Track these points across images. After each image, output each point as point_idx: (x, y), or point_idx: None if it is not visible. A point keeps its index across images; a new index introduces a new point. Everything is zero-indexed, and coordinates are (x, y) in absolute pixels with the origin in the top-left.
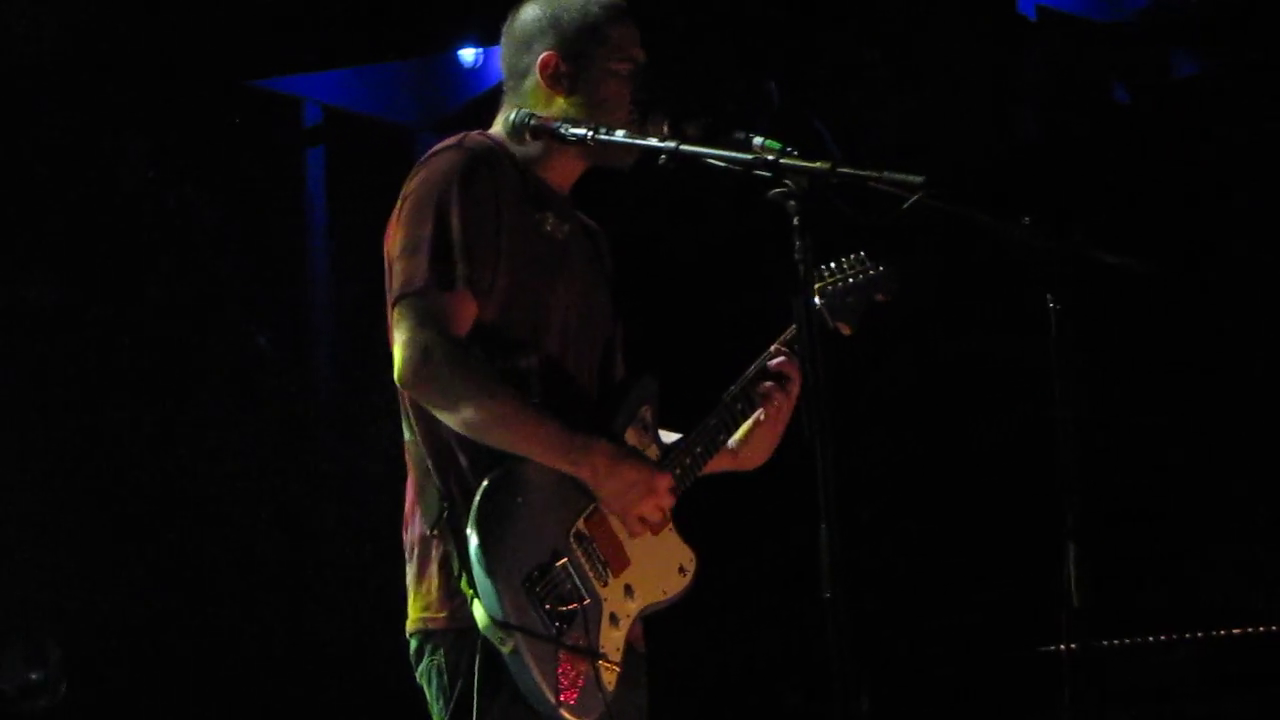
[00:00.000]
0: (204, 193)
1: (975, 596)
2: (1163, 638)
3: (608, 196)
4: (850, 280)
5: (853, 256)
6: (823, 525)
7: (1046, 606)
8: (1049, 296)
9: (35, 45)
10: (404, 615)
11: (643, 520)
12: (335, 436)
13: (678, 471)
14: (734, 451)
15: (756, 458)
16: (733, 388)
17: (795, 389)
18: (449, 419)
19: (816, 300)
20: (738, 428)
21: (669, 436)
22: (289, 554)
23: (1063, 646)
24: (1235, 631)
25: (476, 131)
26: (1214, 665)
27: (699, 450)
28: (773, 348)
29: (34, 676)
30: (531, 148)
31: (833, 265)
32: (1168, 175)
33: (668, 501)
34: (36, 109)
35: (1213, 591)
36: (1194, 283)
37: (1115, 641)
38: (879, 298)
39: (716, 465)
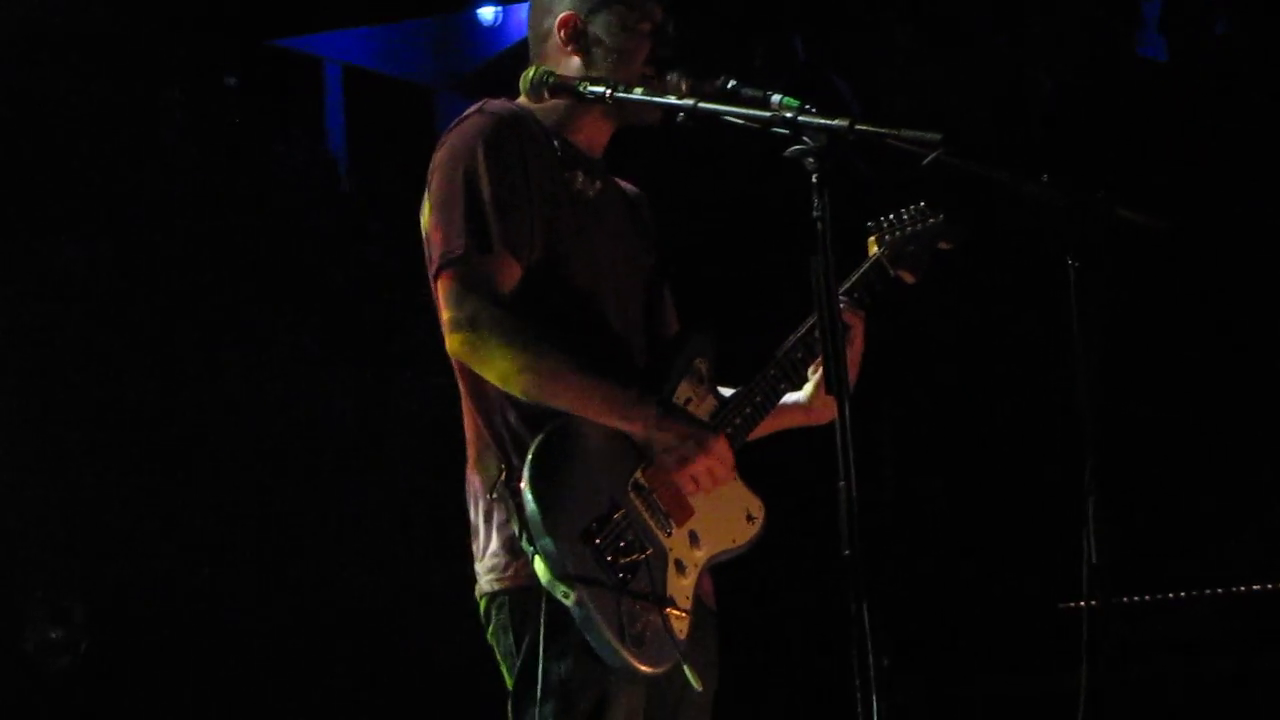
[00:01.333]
0: (225, 150)
1: (995, 553)
2: (1183, 594)
3: (644, 156)
4: (910, 229)
5: (913, 206)
6: (842, 483)
7: (1067, 563)
8: (1069, 256)
9: (57, 13)
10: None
11: (695, 480)
12: (365, 401)
13: (738, 422)
14: (806, 406)
15: (830, 409)
16: (791, 337)
17: (858, 338)
18: (501, 383)
19: (875, 249)
20: (799, 377)
21: (728, 392)
22: (317, 517)
23: (1083, 603)
24: (1256, 588)
25: (500, 98)
26: (1235, 622)
27: (759, 399)
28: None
29: (56, 635)
30: (556, 109)
31: (892, 216)
32: (1190, 135)
33: (720, 463)
34: (61, 68)
35: (1234, 548)
36: (1219, 238)
37: (1135, 598)
38: (943, 245)
39: (792, 420)
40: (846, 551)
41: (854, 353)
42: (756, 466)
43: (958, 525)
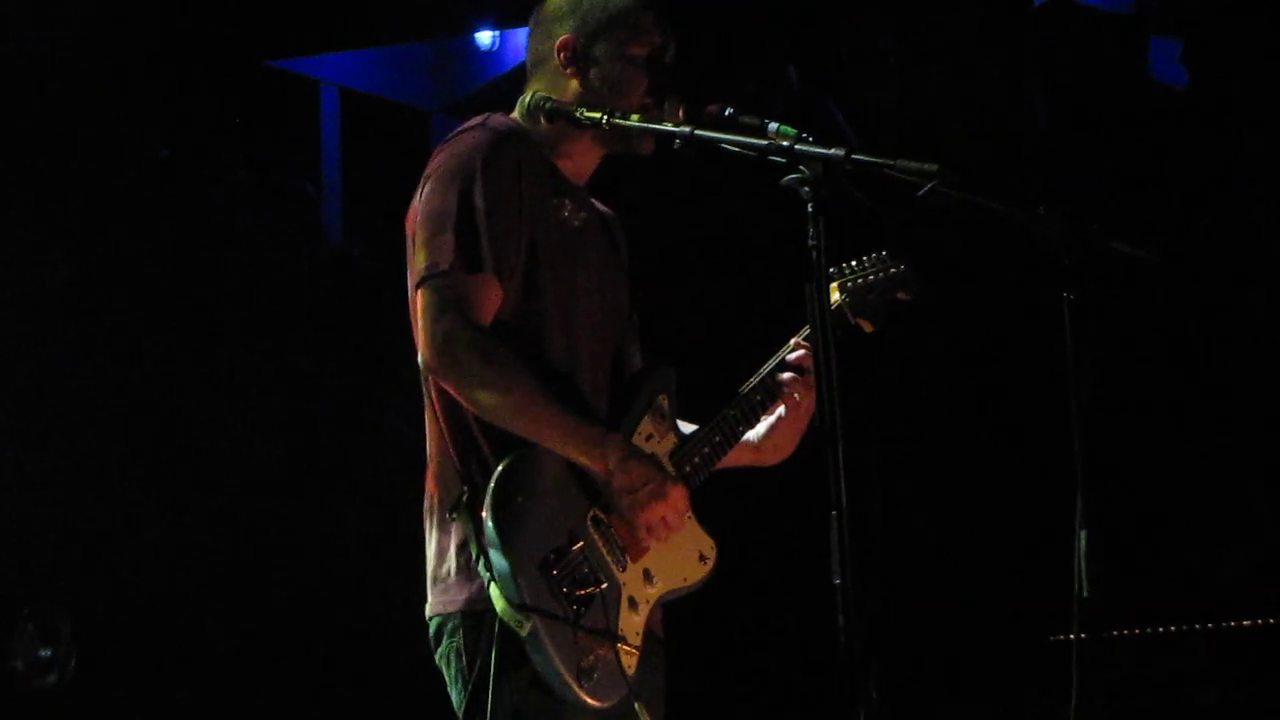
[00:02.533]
0: (219, 172)
1: (985, 585)
2: (1172, 628)
3: (622, 183)
4: (871, 277)
5: (874, 254)
6: (833, 512)
7: (1056, 595)
8: (1062, 284)
9: (54, 27)
10: (423, 598)
11: (648, 528)
12: (349, 415)
13: (696, 460)
14: (756, 445)
15: (779, 452)
16: (752, 379)
17: (808, 398)
18: (469, 404)
19: (836, 295)
20: (757, 419)
21: (688, 428)
22: (303, 532)
23: (1072, 636)
24: (1245, 623)
25: (500, 114)
26: (1223, 656)
27: (717, 440)
28: (793, 341)
29: (45, 652)
30: (549, 133)
31: (854, 263)
32: (1184, 164)
33: (675, 511)
34: (54, 89)
35: (1222, 583)
36: (1207, 274)
37: (1124, 632)
38: (901, 296)
39: (738, 459)
40: (837, 580)
41: (810, 394)
42: (746, 495)
43: (948, 556)
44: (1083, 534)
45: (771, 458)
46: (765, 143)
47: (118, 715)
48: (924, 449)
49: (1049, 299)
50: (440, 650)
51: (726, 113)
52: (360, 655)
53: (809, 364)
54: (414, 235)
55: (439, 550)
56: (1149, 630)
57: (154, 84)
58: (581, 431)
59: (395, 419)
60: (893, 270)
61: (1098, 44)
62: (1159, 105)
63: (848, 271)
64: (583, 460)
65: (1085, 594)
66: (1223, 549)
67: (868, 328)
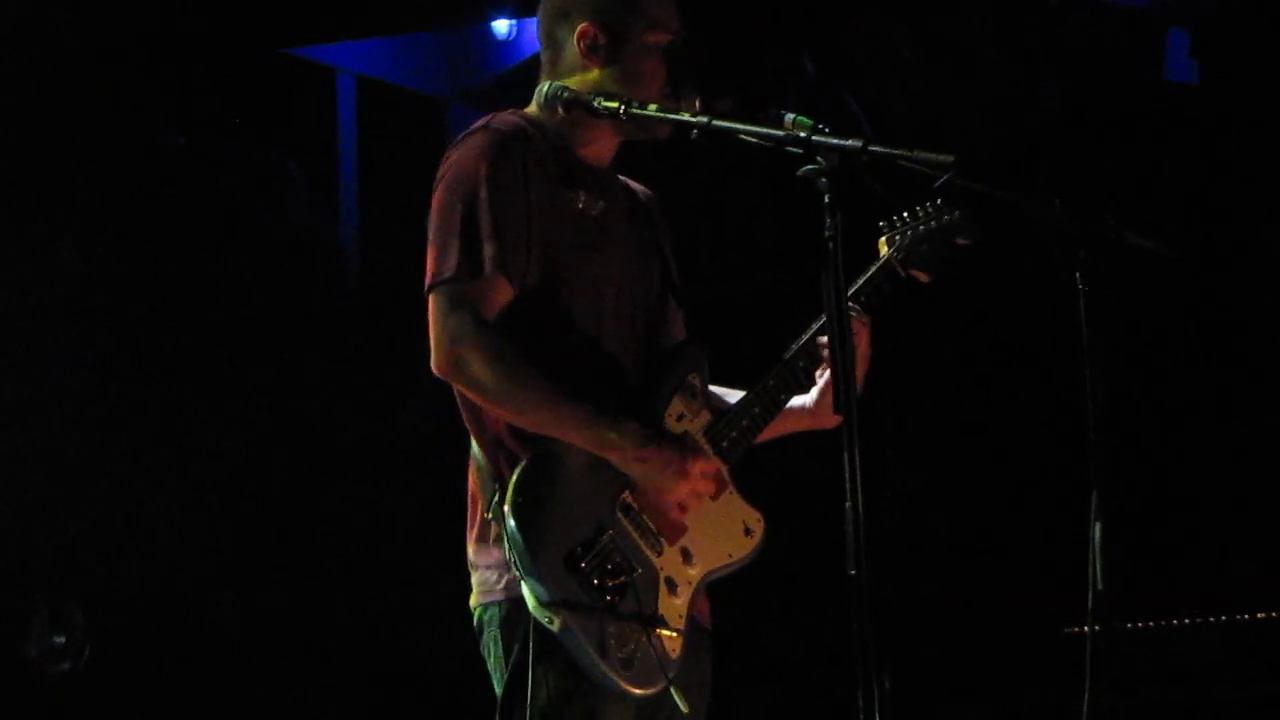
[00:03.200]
0: (236, 161)
1: (1000, 577)
2: (1187, 621)
3: (648, 170)
4: (923, 227)
5: (928, 204)
6: (847, 504)
7: (1072, 587)
8: (1078, 278)
9: (68, 14)
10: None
11: (680, 506)
12: (364, 406)
13: (734, 434)
14: (812, 411)
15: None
16: (793, 345)
17: (863, 344)
18: (483, 405)
19: (884, 250)
20: (800, 386)
21: (735, 395)
22: (318, 521)
23: (1087, 628)
24: (1261, 615)
25: (508, 111)
26: (1240, 649)
27: (757, 411)
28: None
29: (58, 641)
30: (565, 123)
31: (905, 214)
32: (1195, 160)
33: (703, 483)
34: (70, 76)
35: (1240, 575)
36: (1223, 266)
37: (1140, 624)
38: (959, 241)
39: (796, 425)
40: (851, 571)
41: (859, 360)
42: (760, 485)
43: (962, 549)
44: (1098, 526)
45: (828, 421)
46: (782, 133)
47: (131, 703)
48: (939, 441)
49: (1064, 291)
50: (483, 640)
51: (743, 103)
52: (374, 645)
53: (855, 325)
54: (429, 243)
55: (478, 543)
56: (1164, 623)
57: (169, 72)
58: (594, 424)
59: (410, 412)
60: (946, 217)
61: (1111, 38)
62: (1172, 100)
63: (898, 224)
64: (598, 451)
65: (1100, 586)
66: (1238, 541)
67: (923, 278)
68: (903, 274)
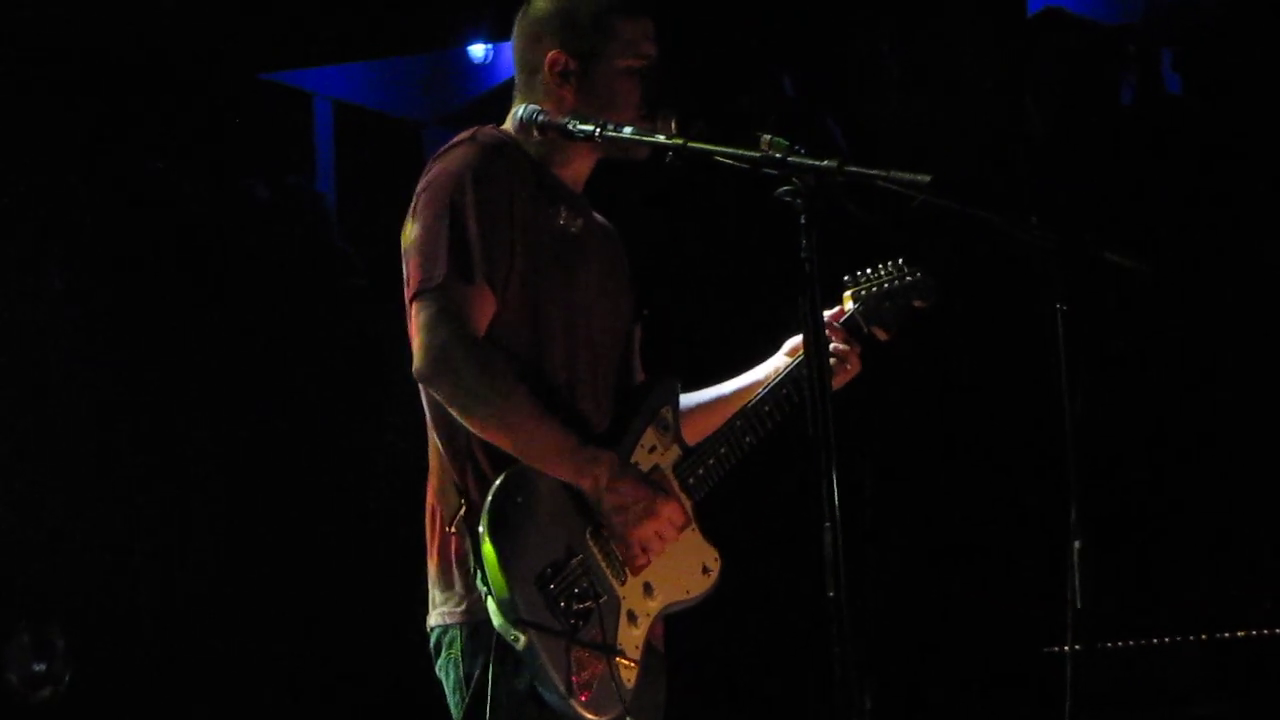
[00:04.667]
0: (213, 186)
1: (979, 597)
2: (1167, 640)
3: (617, 195)
4: (886, 285)
5: (890, 263)
6: (826, 525)
7: (1050, 608)
8: (1055, 295)
9: (46, 36)
10: (424, 610)
11: (642, 546)
12: (347, 426)
13: (700, 472)
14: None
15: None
16: (760, 389)
17: (845, 376)
18: (461, 416)
19: (850, 304)
20: (765, 430)
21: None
22: (303, 545)
23: (1066, 647)
24: (1240, 634)
25: (490, 126)
26: (1219, 668)
27: (723, 450)
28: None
29: (39, 667)
30: (542, 144)
31: (869, 270)
32: (1175, 177)
33: (669, 526)
34: (48, 99)
35: (1217, 594)
36: (1201, 284)
37: (1118, 644)
38: (917, 304)
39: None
40: (831, 593)
41: (843, 379)
42: (739, 507)
43: (941, 568)
44: (1076, 544)
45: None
46: (758, 154)
47: None
48: (916, 460)
49: (1042, 310)
50: (440, 661)
51: (718, 124)
52: (362, 669)
53: (844, 354)
54: (407, 251)
55: (439, 562)
56: (1144, 642)
57: (147, 97)
58: (572, 450)
59: (389, 431)
60: (909, 278)
61: (1095, 56)
62: (1157, 117)
63: (862, 279)
64: (571, 479)
65: (1079, 605)
66: (1217, 559)
67: (882, 336)
68: (865, 330)
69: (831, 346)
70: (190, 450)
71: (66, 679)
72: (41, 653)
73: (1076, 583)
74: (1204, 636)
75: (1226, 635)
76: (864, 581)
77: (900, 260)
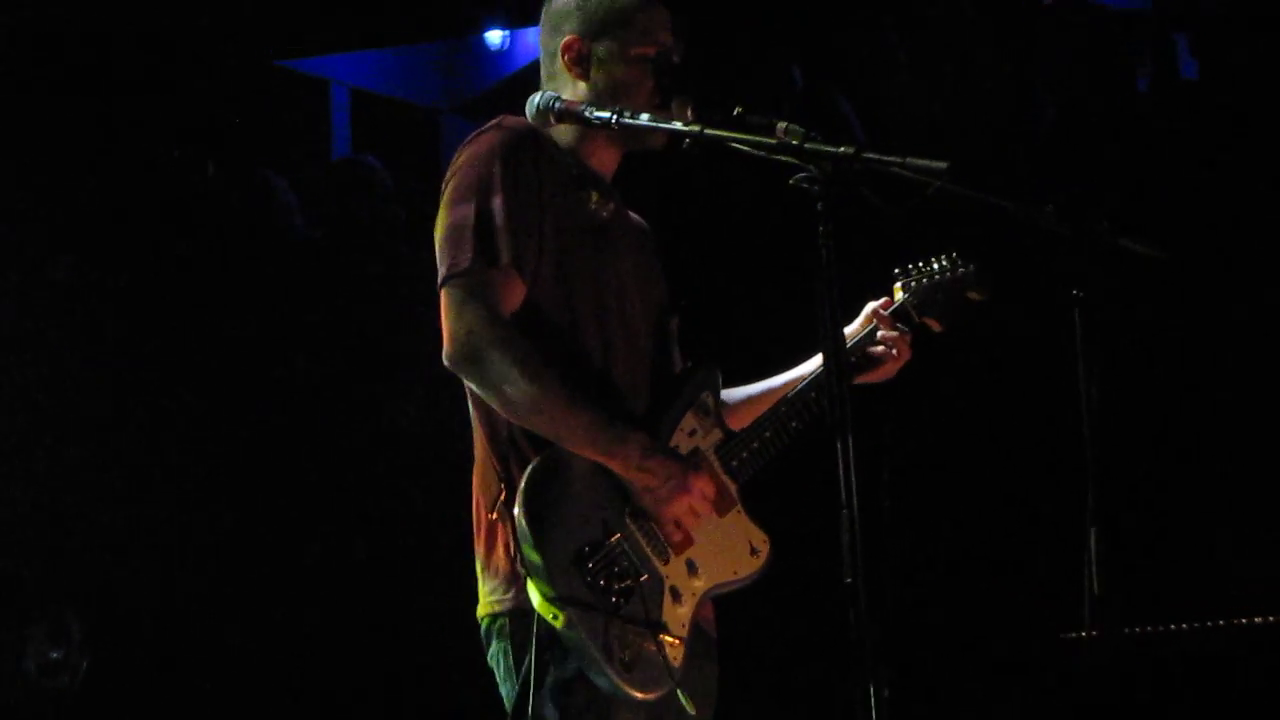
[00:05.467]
0: (230, 172)
1: (996, 582)
2: (1185, 626)
3: (644, 188)
4: (939, 277)
5: (944, 255)
6: (844, 510)
7: (1069, 592)
8: (1072, 285)
9: (62, 23)
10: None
11: (676, 523)
12: (363, 419)
13: (744, 455)
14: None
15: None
16: (808, 378)
17: (895, 364)
18: (492, 400)
19: (899, 295)
20: (811, 416)
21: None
22: (320, 533)
23: (1084, 633)
24: (1260, 620)
25: (515, 115)
26: (1239, 654)
27: (768, 435)
28: (868, 320)
29: (56, 654)
30: (565, 132)
31: (921, 263)
32: (1190, 164)
33: (701, 503)
34: (62, 85)
35: (1238, 580)
36: (1217, 272)
37: (1137, 628)
38: (972, 296)
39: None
40: (848, 579)
41: (893, 366)
42: (756, 493)
43: (958, 554)
44: (1094, 531)
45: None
46: (774, 141)
47: (129, 717)
48: (934, 447)
49: (1059, 297)
50: (491, 650)
51: (735, 111)
52: (379, 657)
53: (896, 344)
54: (438, 239)
55: (486, 550)
56: (1162, 627)
57: (165, 85)
58: (602, 432)
59: (408, 420)
60: (962, 270)
61: (1108, 42)
62: (1172, 103)
63: (913, 271)
64: (601, 459)
65: (1097, 591)
66: (1236, 545)
67: (936, 327)
68: (916, 320)
69: (880, 334)
70: (204, 438)
71: (84, 667)
72: (58, 641)
73: (1094, 568)
74: (1224, 622)
75: (1246, 622)
76: (881, 567)
77: (954, 253)
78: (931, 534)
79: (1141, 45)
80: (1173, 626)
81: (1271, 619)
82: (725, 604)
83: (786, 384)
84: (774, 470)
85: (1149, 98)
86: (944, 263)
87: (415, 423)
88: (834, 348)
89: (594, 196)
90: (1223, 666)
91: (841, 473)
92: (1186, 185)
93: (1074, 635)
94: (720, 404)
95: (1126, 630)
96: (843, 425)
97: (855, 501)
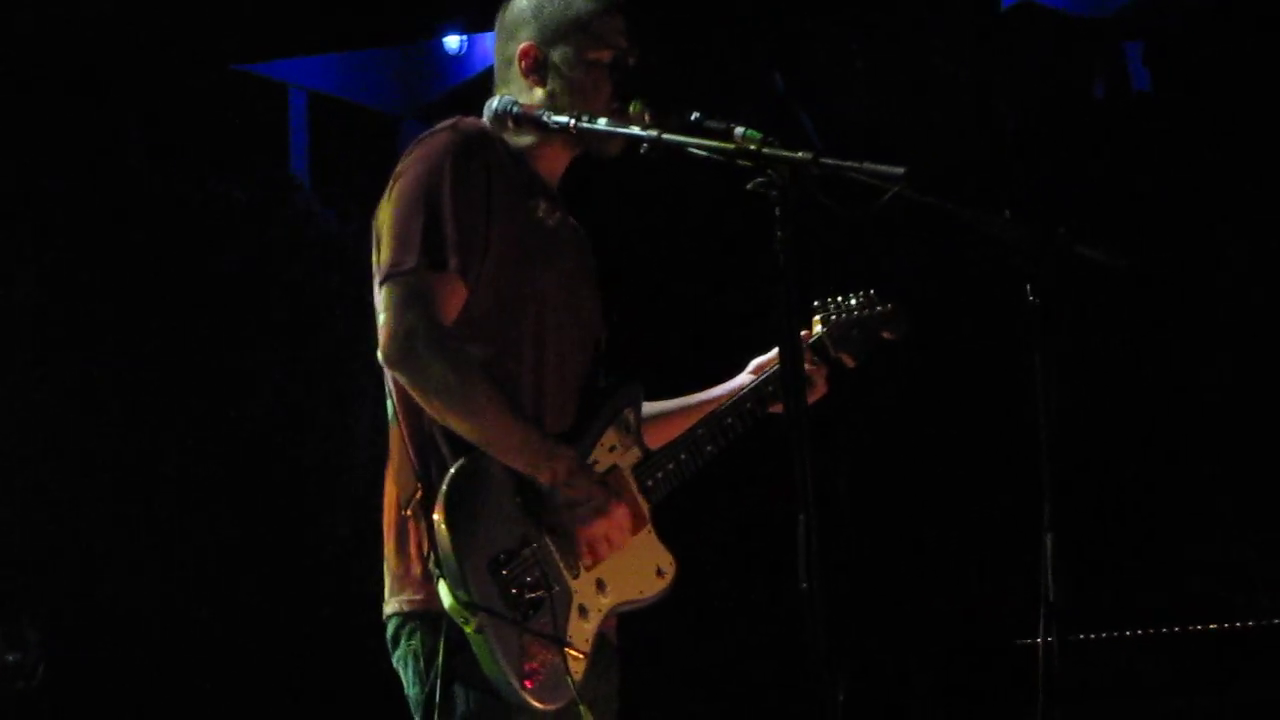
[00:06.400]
0: (191, 177)
1: (952, 589)
2: (1139, 633)
3: (588, 191)
4: (856, 314)
5: (863, 292)
6: (800, 516)
7: (1024, 600)
8: (1028, 290)
9: (14, 29)
10: (380, 598)
11: (590, 545)
12: (319, 420)
13: (659, 475)
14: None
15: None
16: (725, 401)
17: (811, 395)
18: (423, 401)
19: (818, 328)
20: (727, 441)
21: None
22: (267, 535)
23: (1039, 640)
24: (1213, 627)
25: (471, 117)
26: (1191, 661)
27: (683, 457)
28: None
29: (11, 659)
30: (520, 137)
31: (839, 298)
32: (1146, 171)
33: (618, 531)
34: (18, 94)
35: (1190, 587)
36: (1175, 277)
37: (1092, 636)
38: (886, 335)
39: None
40: (804, 584)
41: (809, 398)
42: (713, 498)
43: (914, 560)
44: (1049, 537)
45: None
46: (732, 146)
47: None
48: (891, 453)
49: (1015, 303)
50: (398, 652)
51: (693, 117)
52: (338, 660)
53: (813, 375)
54: (379, 234)
55: (396, 550)
56: (1116, 634)
57: (120, 90)
58: (532, 443)
59: (371, 428)
60: (879, 309)
61: (1066, 49)
62: (1128, 110)
63: (831, 306)
64: (530, 472)
65: (1052, 598)
66: (1190, 553)
67: (849, 363)
68: (832, 355)
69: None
70: (165, 444)
71: (40, 671)
72: (13, 644)
73: (1050, 576)
74: (1177, 629)
75: (1199, 628)
76: (838, 573)
77: (872, 291)
78: (888, 540)
79: (1101, 53)
80: (1127, 633)
81: (1227, 626)
82: (680, 611)
83: (703, 403)
84: (729, 476)
85: (1104, 105)
86: (861, 299)
87: (377, 432)
88: (792, 352)
89: (541, 205)
90: (1175, 673)
91: (799, 478)
92: (1143, 192)
93: (1029, 641)
94: (640, 421)
95: (1082, 637)
96: (800, 431)
97: (812, 506)
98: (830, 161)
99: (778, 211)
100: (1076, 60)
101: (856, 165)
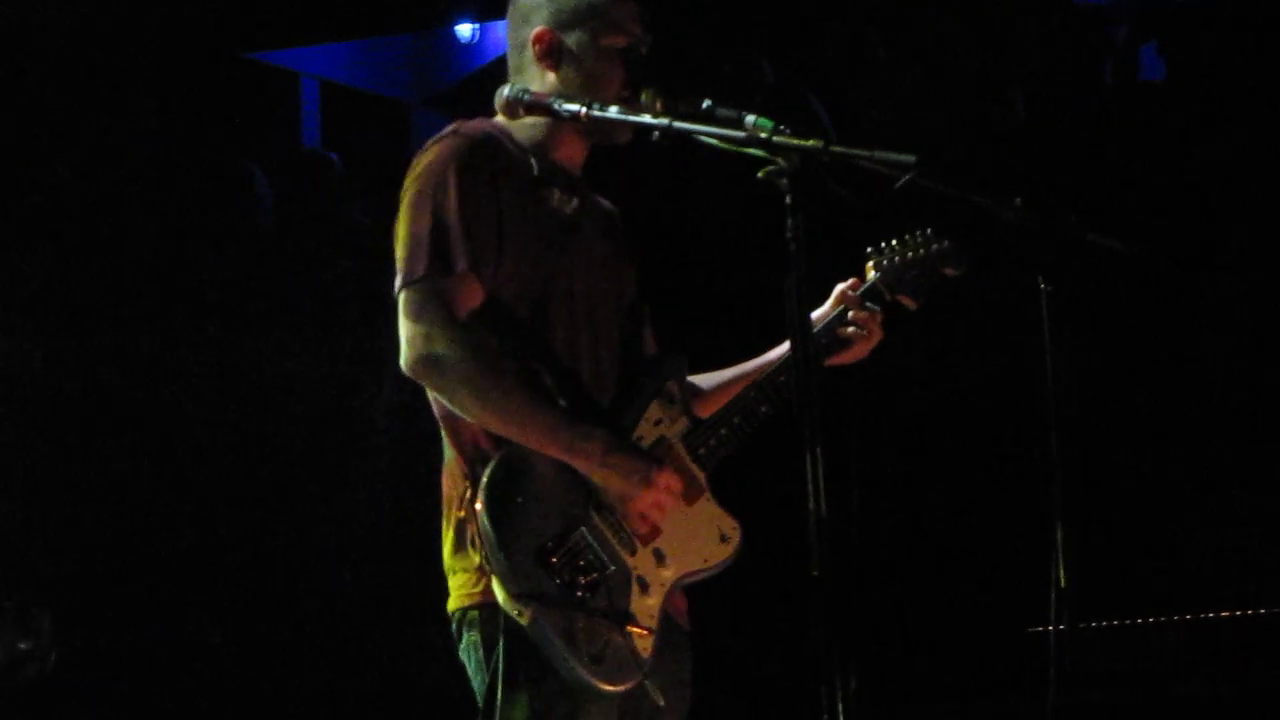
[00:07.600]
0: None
1: (963, 577)
2: (1151, 620)
3: (613, 176)
4: (911, 254)
5: (918, 231)
6: (811, 503)
7: (1035, 587)
8: (1040, 278)
9: (30, 22)
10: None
11: (642, 516)
12: (332, 409)
13: (712, 442)
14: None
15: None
16: (778, 362)
17: (867, 344)
18: (451, 402)
19: (871, 273)
20: (781, 402)
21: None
22: (294, 523)
23: (1050, 627)
24: (1224, 614)
25: (477, 119)
26: (1202, 648)
27: (736, 420)
28: (838, 302)
29: (24, 646)
30: (534, 126)
31: (894, 241)
32: (1157, 161)
33: (667, 495)
34: (30, 82)
35: (1200, 575)
36: (1186, 266)
37: (1103, 623)
38: (947, 271)
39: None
40: (815, 573)
41: (865, 347)
42: (724, 492)
43: (925, 549)
44: (1060, 525)
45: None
46: (743, 134)
47: (99, 709)
48: (901, 442)
49: (1026, 291)
50: (462, 645)
51: (705, 105)
52: (352, 650)
53: (866, 324)
54: (395, 248)
55: (455, 546)
56: (1128, 622)
57: (134, 78)
58: (564, 431)
59: (379, 416)
60: (935, 246)
61: (1079, 38)
62: (1140, 100)
63: (885, 249)
64: (566, 457)
65: (1064, 585)
66: (1202, 540)
67: (910, 304)
68: (889, 298)
69: (850, 315)
70: (180, 429)
71: (52, 659)
72: (26, 631)
73: (1061, 563)
74: (1189, 617)
75: (1210, 615)
76: (848, 561)
77: (928, 229)
78: (899, 527)
79: (1110, 41)
80: (1139, 621)
81: (1238, 613)
82: (693, 598)
83: (756, 369)
84: (741, 465)
85: (1116, 93)
86: (918, 238)
87: (386, 420)
88: (802, 342)
89: (556, 194)
90: (1186, 661)
91: (809, 468)
92: (1154, 181)
93: (1041, 629)
94: (687, 391)
95: (1093, 624)
96: (811, 418)
97: (823, 496)
98: (841, 149)
99: (788, 200)
100: (1085, 47)
101: (868, 153)
